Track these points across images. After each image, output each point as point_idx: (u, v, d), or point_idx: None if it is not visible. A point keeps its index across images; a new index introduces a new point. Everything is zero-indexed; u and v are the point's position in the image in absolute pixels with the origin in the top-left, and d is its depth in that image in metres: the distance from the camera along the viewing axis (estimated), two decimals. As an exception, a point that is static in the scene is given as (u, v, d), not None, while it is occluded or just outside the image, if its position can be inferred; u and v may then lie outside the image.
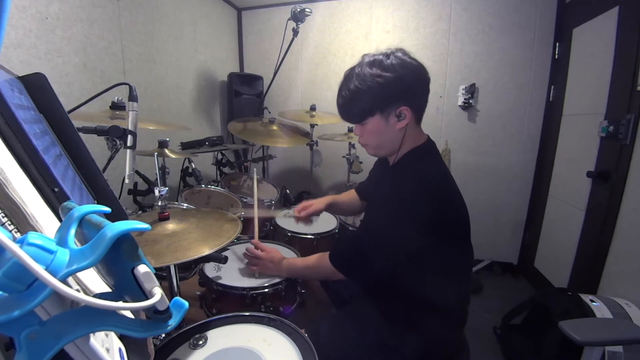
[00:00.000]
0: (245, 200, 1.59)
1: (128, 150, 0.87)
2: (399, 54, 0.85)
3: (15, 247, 0.23)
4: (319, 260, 1.01)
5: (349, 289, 1.16)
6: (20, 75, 0.52)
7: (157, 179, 1.20)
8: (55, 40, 1.35)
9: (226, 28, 2.68)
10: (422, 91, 0.89)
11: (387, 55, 0.85)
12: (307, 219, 1.28)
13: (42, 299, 0.24)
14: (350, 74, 0.88)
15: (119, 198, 1.13)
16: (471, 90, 2.29)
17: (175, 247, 0.79)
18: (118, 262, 0.29)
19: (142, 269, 0.29)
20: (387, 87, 0.83)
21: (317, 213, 1.28)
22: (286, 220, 1.61)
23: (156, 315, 0.31)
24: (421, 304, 0.89)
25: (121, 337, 0.42)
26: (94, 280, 0.41)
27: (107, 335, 0.37)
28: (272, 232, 1.60)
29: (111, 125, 0.91)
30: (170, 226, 0.89)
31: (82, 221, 0.32)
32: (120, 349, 0.40)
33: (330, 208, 1.31)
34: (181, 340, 0.75)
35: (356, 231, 0.98)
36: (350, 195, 1.33)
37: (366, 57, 0.88)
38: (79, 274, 0.37)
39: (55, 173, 0.44)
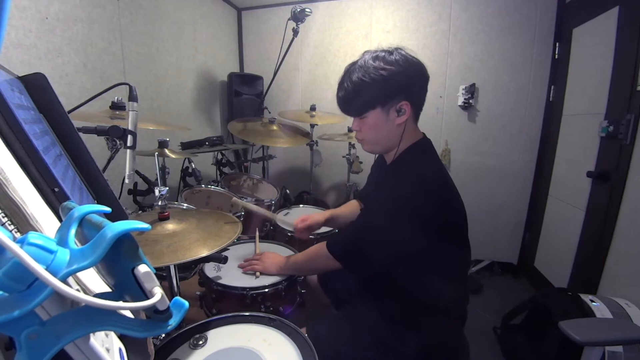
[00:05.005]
0: (245, 200, 1.59)
1: (128, 150, 0.87)
2: (402, 51, 0.87)
3: (15, 246, 0.23)
4: (316, 248, 1.02)
5: (348, 288, 1.16)
6: (20, 75, 0.52)
7: (157, 179, 1.20)
8: (55, 40, 1.35)
9: (226, 28, 2.68)
10: (422, 88, 0.91)
11: (390, 52, 0.86)
12: (305, 232, 1.24)
13: (42, 298, 0.24)
14: (352, 68, 0.88)
15: (119, 198, 1.13)
16: (471, 90, 2.29)
17: (175, 247, 0.79)
18: (118, 262, 0.29)
19: (142, 268, 0.29)
20: (390, 80, 0.84)
21: (316, 227, 1.25)
22: (287, 221, 1.61)
23: (156, 315, 0.31)
24: (420, 302, 0.89)
25: (121, 337, 0.42)
26: (94, 280, 0.41)
27: (107, 335, 0.37)
28: (272, 232, 1.60)
29: (111, 125, 0.91)
30: (170, 226, 0.89)
31: (83, 221, 0.32)
32: (120, 349, 0.40)
33: (330, 222, 1.27)
34: (181, 340, 0.75)
35: (354, 222, 0.97)
36: (351, 207, 1.30)
37: (368, 53, 0.89)
38: (79, 274, 0.38)
39: (55, 173, 0.44)
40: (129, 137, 0.87)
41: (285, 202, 2.18)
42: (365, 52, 0.90)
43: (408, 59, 0.86)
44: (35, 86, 0.52)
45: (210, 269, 1.10)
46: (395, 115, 0.88)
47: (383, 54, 0.86)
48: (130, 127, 0.88)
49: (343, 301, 1.17)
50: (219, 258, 0.99)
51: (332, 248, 0.95)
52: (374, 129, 0.91)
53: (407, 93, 0.87)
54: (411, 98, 0.88)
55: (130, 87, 0.89)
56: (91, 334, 0.31)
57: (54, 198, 0.43)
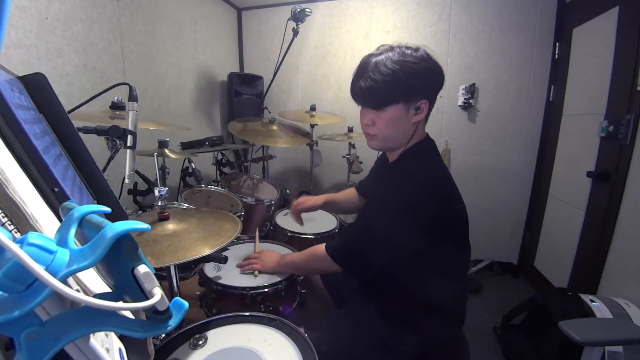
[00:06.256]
0: (245, 200, 1.59)
1: (128, 150, 0.87)
2: (424, 49, 0.87)
3: (15, 247, 0.23)
4: (315, 249, 1.01)
5: (350, 286, 1.15)
6: (20, 75, 0.52)
7: (157, 179, 1.20)
8: (55, 40, 1.35)
9: (226, 28, 2.68)
10: (439, 88, 0.91)
11: (416, 49, 0.86)
12: (298, 216, 1.27)
13: (42, 299, 0.24)
14: (377, 59, 0.84)
15: (119, 198, 1.13)
16: (471, 90, 2.29)
17: (176, 247, 0.79)
18: (118, 262, 0.29)
19: (142, 269, 0.29)
20: (419, 75, 0.83)
21: (313, 209, 1.28)
22: (286, 220, 1.62)
23: (156, 315, 0.31)
24: (420, 302, 0.89)
25: (121, 337, 0.42)
26: (94, 281, 0.41)
27: (107, 335, 0.37)
28: (272, 232, 1.60)
29: (111, 125, 0.91)
30: (170, 226, 0.89)
31: (82, 221, 0.32)
32: (120, 349, 0.40)
33: (327, 206, 1.30)
34: (181, 340, 0.75)
35: (354, 224, 0.97)
36: (349, 194, 1.32)
37: (389, 46, 0.86)
38: (79, 274, 0.37)
39: (55, 173, 0.44)
40: (129, 137, 0.87)
41: (285, 202, 2.18)
42: (382, 45, 0.88)
43: (432, 58, 0.86)
44: (35, 86, 0.52)
45: (210, 269, 1.10)
46: (413, 112, 0.87)
47: (409, 50, 0.84)
48: (130, 127, 0.88)
49: (344, 299, 1.17)
50: (219, 258, 0.99)
51: (331, 251, 0.95)
52: (391, 124, 0.88)
53: (429, 92, 0.87)
54: (431, 97, 0.88)
55: (130, 87, 0.89)
56: (91, 334, 0.31)
57: (54, 198, 0.43)
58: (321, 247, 0.98)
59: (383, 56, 0.84)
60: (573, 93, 1.96)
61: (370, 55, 0.87)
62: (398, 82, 0.82)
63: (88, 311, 0.28)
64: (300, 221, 1.30)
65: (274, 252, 1.14)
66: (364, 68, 0.86)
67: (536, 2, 2.11)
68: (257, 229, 1.34)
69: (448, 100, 2.39)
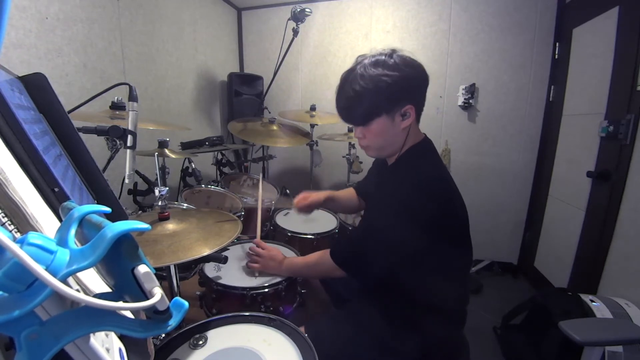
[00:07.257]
0: (245, 200, 1.59)
1: (128, 150, 0.87)
2: (399, 53, 0.86)
3: (15, 247, 0.23)
4: (320, 257, 1.01)
5: (349, 287, 1.16)
6: (20, 75, 0.52)
7: (157, 179, 1.20)
8: (55, 40, 1.35)
9: (226, 28, 2.68)
10: (424, 89, 0.90)
11: (389, 55, 0.85)
12: (306, 210, 1.27)
13: (42, 299, 0.24)
14: (351, 76, 0.86)
15: (119, 198, 1.13)
16: (471, 90, 2.29)
17: (176, 247, 0.79)
18: (118, 262, 0.29)
19: (142, 269, 0.29)
20: (394, 86, 0.82)
21: (316, 205, 1.28)
22: (286, 220, 1.62)
23: (156, 315, 0.31)
24: (420, 303, 0.89)
25: (121, 337, 0.42)
26: (94, 281, 0.41)
27: (107, 335, 0.37)
28: (272, 232, 1.60)
29: (111, 125, 0.91)
30: (171, 226, 0.89)
31: (83, 221, 0.32)
32: (120, 349, 0.40)
33: (329, 202, 1.31)
34: (181, 340, 0.75)
35: (357, 228, 0.97)
36: (349, 193, 1.33)
37: (364, 57, 0.87)
38: (79, 274, 0.37)
39: (55, 173, 0.44)
40: (129, 137, 0.87)
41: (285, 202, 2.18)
42: (359, 56, 0.88)
43: (407, 62, 0.85)
44: (35, 86, 0.52)
45: (210, 269, 1.09)
46: (400, 119, 0.87)
47: (383, 58, 0.84)
48: (130, 127, 0.88)
49: (343, 300, 1.17)
50: (219, 258, 0.99)
51: (336, 257, 0.95)
52: (380, 135, 0.89)
53: (411, 96, 0.87)
54: (415, 101, 0.88)
55: (130, 87, 0.89)
56: (91, 334, 0.31)
57: (54, 198, 0.43)
58: (325, 253, 0.98)
59: (357, 72, 0.84)
60: (573, 93, 1.96)
61: (348, 72, 0.88)
62: (373, 98, 0.83)
63: (88, 311, 0.28)
64: (308, 213, 1.29)
65: (278, 254, 1.12)
66: (341, 87, 0.88)
67: (536, 2, 2.11)
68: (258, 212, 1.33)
69: (448, 100, 2.39)
